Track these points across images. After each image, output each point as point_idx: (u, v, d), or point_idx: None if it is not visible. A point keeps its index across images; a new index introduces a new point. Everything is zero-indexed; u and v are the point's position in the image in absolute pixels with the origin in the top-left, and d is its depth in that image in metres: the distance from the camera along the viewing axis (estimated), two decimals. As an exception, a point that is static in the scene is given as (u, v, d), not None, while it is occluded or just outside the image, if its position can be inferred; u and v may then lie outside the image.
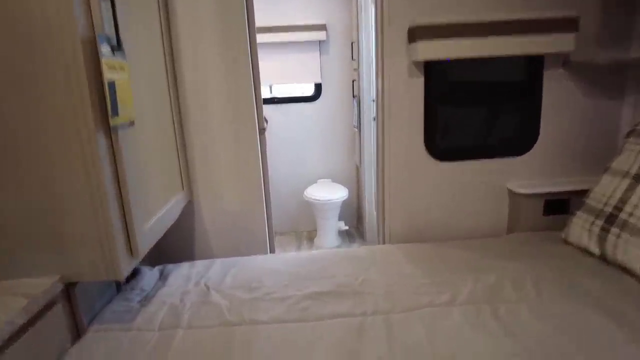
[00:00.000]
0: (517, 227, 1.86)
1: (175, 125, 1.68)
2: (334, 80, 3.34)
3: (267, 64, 3.17)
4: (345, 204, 3.34)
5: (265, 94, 3.44)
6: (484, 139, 1.87)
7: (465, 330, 1.15)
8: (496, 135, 1.87)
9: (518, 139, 1.87)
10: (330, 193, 3.15)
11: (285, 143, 3.43)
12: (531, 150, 1.84)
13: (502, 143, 1.87)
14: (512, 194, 1.86)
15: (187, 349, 1.13)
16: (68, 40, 1.00)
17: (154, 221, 1.39)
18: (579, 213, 1.62)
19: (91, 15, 1.06)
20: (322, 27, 3.19)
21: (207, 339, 1.17)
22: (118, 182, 1.17)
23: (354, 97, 3.21)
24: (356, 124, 3.16)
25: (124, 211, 1.19)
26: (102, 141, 1.09)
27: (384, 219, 1.88)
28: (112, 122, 1.11)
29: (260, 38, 3.18)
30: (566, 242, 1.64)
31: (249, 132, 1.78)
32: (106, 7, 1.10)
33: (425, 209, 1.87)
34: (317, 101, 3.39)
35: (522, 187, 1.81)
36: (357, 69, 2.99)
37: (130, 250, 1.22)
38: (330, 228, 3.26)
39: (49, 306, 1.13)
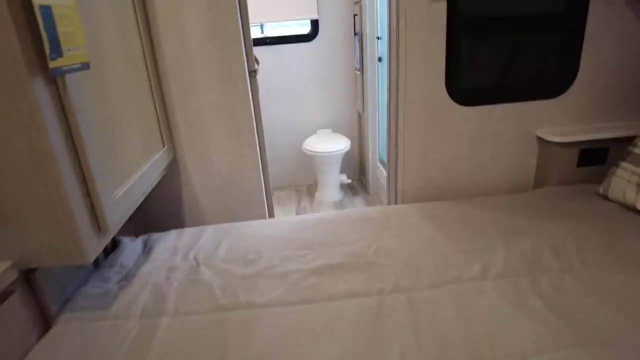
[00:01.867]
0: (546, 180, 1.65)
1: (149, 67, 1.40)
2: (332, 16, 3.01)
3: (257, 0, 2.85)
4: (347, 156, 3.15)
5: (255, 34, 3.11)
6: (514, 79, 1.60)
7: (503, 309, 0.97)
8: (528, 74, 1.60)
9: (553, 78, 1.60)
10: (330, 144, 2.94)
11: (280, 89, 3.16)
12: (567, 91, 1.59)
13: (535, 83, 1.61)
14: (542, 143, 1.63)
15: (173, 340, 0.95)
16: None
17: (127, 187, 1.16)
18: (623, 164, 1.40)
19: None
20: (317, -48, 2.80)
21: (197, 327, 0.98)
22: (72, 142, 0.92)
23: (355, 34, 2.90)
24: (358, 66, 2.89)
25: (84, 178, 0.96)
26: (41, 91, 0.83)
27: (396, 173, 1.65)
28: (52, 64, 0.84)
29: None
30: (606, 197, 1.44)
31: (238, 75, 1.51)
32: None
33: (444, 161, 1.64)
34: (314, 40, 3.07)
35: (555, 135, 1.57)
36: (358, 2, 2.68)
37: (98, 225, 1.00)
38: (332, 182, 3.09)
39: (3, 297, 0.93)
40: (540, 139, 1.63)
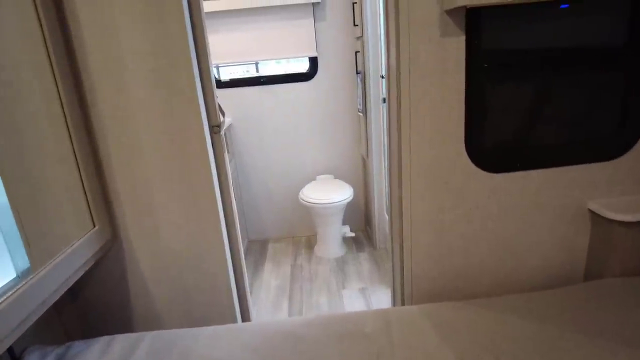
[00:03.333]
0: (603, 269, 1.25)
1: (69, 124, 1.07)
2: (332, 53, 2.86)
3: (251, 36, 2.74)
4: (350, 205, 2.92)
5: (250, 73, 3.00)
6: (555, 137, 1.24)
7: None
8: (575, 131, 1.25)
9: (608, 136, 1.26)
10: (331, 193, 2.70)
11: (276, 133, 3.00)
12: (629, 152, 1.23)
13: (583, 142, 1.26)
14: (596, 219, 1.25)
15: None
16: None
17: (21, 290, 0.81)
18: None
19: None
20: (315, -15, 2.70)
21: None
22: None
23: (357, 73, 2.73)
24: (361, 107, 2.71)
25: None
26: None
27: (401, 261, 1.28)
28: None
29: (238, 3, 2.63)
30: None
31: (193, 132, 1.19)
32: None
33: (465, 243, 1.28)
34: (313, 79, 2.92)
35: (615, 209, 1.20)
36: (360, 37, 2.52)
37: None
38: (333, 234, 2.83)
39: None
40: (593, 214, 1.25)
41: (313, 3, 2.70)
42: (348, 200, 2.69)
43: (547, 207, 1.27)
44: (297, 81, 2.91)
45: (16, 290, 0.84)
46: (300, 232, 3.20)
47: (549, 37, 1.17)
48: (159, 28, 1.12)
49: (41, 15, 1.01)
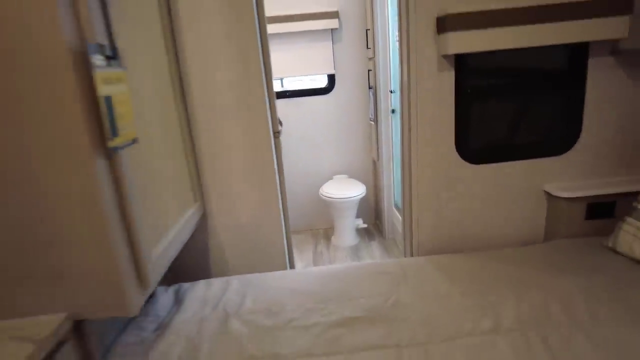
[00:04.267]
0: (556, 233, 1.71)
1: (184, 133, 1.55)
2: (348, 71, 3.18)
3: (277, 56, 3.02)
4: (362, 201, 3.22)
5: (276, 87, 3.32)
6: (520, 138, 1.71)
7: (515, 365, 1.03)
8: (534, 133, 1.70)
9: (558, 137, 1.70)
10: (346, 190, 3.03)
11: (299, 138, 3.31)
12: (572, 149, 1.68)
13: (540, 141, 1.71)
14: (550, 198, 1.71)
15: (206, 391, 1.03)
16: (53, 53, 0.87)
17: (166, 243, 1.28)
18: (629, 219, 1.46)
19: (79, 22, 0.92)
20: (334, 15, 3.01)
21: (228, 379, 1.06)
22: (121, 207, 1.05)
23: (369, 88, 3.06)
24: (372, 117, 3.02)
25: (130, 238, 1.08)
26: (100, 166, 0.97)
27: (411, 227, 1.74)
28: (111, 143, 0.98)
29: (269, 29, 3.05)
30: (614, 251, 1.49)
31: (263, 137, 1.65)
32: (97, 11, 0.96)
33: (457, 215, 1.73)
34: (331, 93, 3.24)
35: (562, 190, 1.65)
36: (372, 58, 2.84)
37: (141, 282, 1.11)
38: (348, 226, 3.16)
39: (58, 347, 1.03)
40: (548, 194, 1.71)
41: (332, 29, 3.03)
42: (361, 196, 3.00)
43: (515, 189, 1.70)
44: (317, 95, 3.21)
45: (164, 242, 1.31)
46: (319, 224, 3.50)
47: (513, 66, 1.62)
48: (242, 67, 1.55)
49: (170, 59, 1.49)
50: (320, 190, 3.11)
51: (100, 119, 0.96)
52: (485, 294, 1.32)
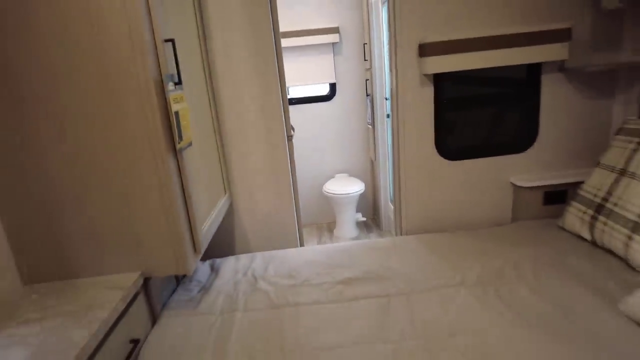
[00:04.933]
0: (520, 216, 2.08)
1: (217, 138, 1.93)
2: (347, 80, 3.51)
3: (285, 67, 3.27)
4: (361, 197, 3.55)
5: None
6: (488, 139, 2.08)
7: (473, 306, 1.40)
8: (500, 135, 2.08)
9: (519, 138, 2.08)
10: (347, 187, 3.36)
11: (303, 140, 3.63)
12: (531, 147, 2.05)
13: (505, 142, 2.09)
14: (515, 187, 2.08)
15: (246, 326, 1.40)
16: (143, 81, 1.24)
17: (209, 222, 1.66)
18: (573, 203, 1.83)
19: (158, 59, 1.30)
20: (335, 30, 3.37)
21: (262, 318, 1.43)
22: (184, 194, 1.43)
23: (367, 95, 3.38)
24: (370, 121, 3.34)
25: (189, 217, 1.45)
26: (172, 162, 1.34)
27: (400, 212, 2.11)
28: (179, 145, 1.36)
29: None
30: (563, 229, 1.86)
31: (279, 140, 2.02)
32: (170, 54, 1.34)
33: (438, 202, 2.10)
34: (333, 100, 3.57)
35: (524, 181, 2.03)
36: (369, 69, 3.18)
37: (195, 248, 1.48)
38: (349, 219, 3.49)
39: (135, 296, 1.40)
40: (513, 185, 2.08)
41: (333, 43, 3.38)
42: (360, 192, 3.33)
43: (485, 181, 2.07)
44: (320, 102, 3.56)
45: (208, 220, 1.68)
46: (322, 219, 3.84)
47: (481, 82, 2.01)
48: (262, 81, 1.93)
49: (207, 81, 1.87)
50: (324, 187, 3.44)
51: (171, 128, 1.34)
52: (456, 261, 1.69)
